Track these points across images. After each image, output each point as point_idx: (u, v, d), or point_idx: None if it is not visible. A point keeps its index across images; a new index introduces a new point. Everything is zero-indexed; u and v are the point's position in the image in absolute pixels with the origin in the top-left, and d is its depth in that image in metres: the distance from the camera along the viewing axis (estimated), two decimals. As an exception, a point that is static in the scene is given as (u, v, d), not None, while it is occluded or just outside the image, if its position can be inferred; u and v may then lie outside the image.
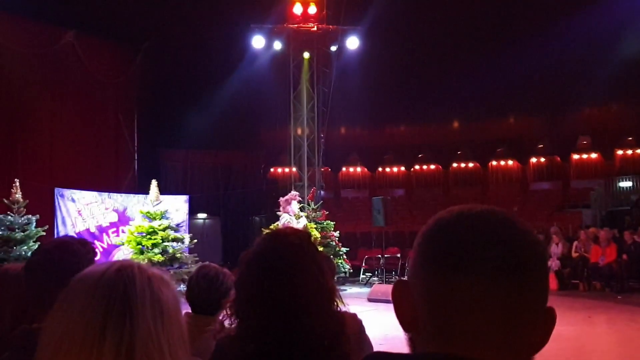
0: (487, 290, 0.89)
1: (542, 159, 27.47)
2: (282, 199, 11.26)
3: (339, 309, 2.00)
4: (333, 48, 18.89)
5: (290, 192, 15.64)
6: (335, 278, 16.20)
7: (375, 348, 2.36)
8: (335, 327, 1.85)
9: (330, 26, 18.34)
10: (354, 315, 2.93)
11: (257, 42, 18.52)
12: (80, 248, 2.08)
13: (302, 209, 16.02)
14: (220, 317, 2.13)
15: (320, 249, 13.08)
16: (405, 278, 1.02)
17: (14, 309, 2.27)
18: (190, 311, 2.96)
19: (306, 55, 18.97)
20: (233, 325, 1.91)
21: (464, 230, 0.93)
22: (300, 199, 11.29)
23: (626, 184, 22.72)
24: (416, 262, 0.97)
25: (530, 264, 0.92)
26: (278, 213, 15.09)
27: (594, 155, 26.52)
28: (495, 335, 0.89)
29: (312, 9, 18.17)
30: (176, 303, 1.13)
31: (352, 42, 18.54)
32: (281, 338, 1.76)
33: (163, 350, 1.04)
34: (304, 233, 2.01)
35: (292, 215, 10.90)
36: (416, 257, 0.97)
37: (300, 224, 10.82)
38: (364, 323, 2.93)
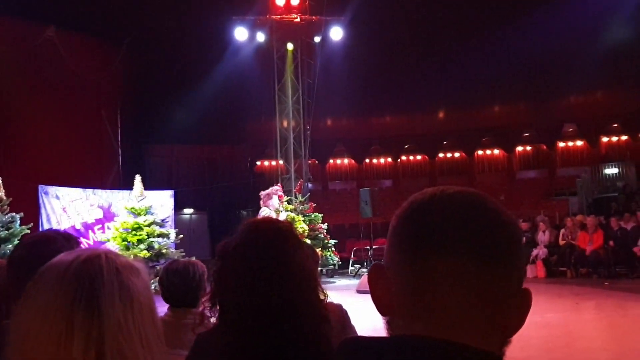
0: (460, 272, 0.88)
1: (528, 148, 27.61)
2: (263, 193, 11.18)
3: (323, 299, 1.97)
4: (317, 39, 18.83)
5: (276, 185, 15.60)
6: (322, 269, 16.21)
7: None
8: (318, 316, 1.81)
9: (314, 17, 18.28)
10: (339, 306, 2.90)
11: (240, 34, 18.42)
12: (63, 242, 2.04)
13: (289, 202, 15.98)
14: (200, 310, 2.09)
15: (308, 241, 13.04)
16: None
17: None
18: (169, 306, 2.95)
19: (290, 46, 18.90)
20: (213, 318, 1.87)
21: (436, 212, 0.92)
22: (281, 193, 11.19)
23: (612, 170, 22.84)
24: (391, 245, 0.97)
25: (503, 244, 0.91)
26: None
27: (579, 143, 26.69)
28: (470, 316, 0.88)
29: (295, 0, 18.07)
30: (147, 292, 1.10)
31: (336, 33, 18.49)
32: (264, 329, 1.72)
33: (134, 341, 1.03)
34: (286, 223, 1.97)
35: (272, 210, 10.82)
36: (390, 239, 0.97)
37: (280, 219, 10.75)
38: (353, 315, 2.89)
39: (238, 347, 1.73)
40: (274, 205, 10.81)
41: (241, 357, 1.72)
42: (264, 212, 10.82)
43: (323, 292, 1.95)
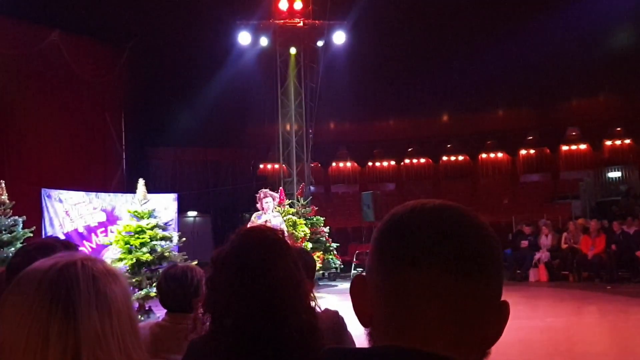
0: (439, 284, 0.89)
1: (532, 151, 27.55)
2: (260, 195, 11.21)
3: (315, 306, 1.99)
4: (320, 43, 18.84)
5: (278, 188, 15.63)
6: (324, 273, 16.20)
7: (361, 345, 2.34)
8: (309, 323, 1.84)
9: (317, 21, 18.28)
10: (335, 313, 2.91)
11: (243, 38, 18.44)
12: (62, 250, 2.04)
13: (291, 205, 15.97)
14: (194, 315, 2.12)
15: (310, 245, 13.01)
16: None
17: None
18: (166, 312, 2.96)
19: (293, 50, 18.91)
20: (206, 324, 1.89)
21: (416, 225, 0.94)
22: (272, 196, 11.17)
23: (615, 174, 22.81)
24: (372, 257, 0.98)
25: (481, 258, 0.92)
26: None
27: (582, 146, 26.60)
28: (448, 328, 0.90)
29: (298, 4, 18.11)
30: (126, 298, 1.10)
31: (339, 37, 18.50)
32: (256, 336, 1.76)
33: (112, 351, 1.02)
34: (277, 231, 2.00)
35: (263, 212, 10.87)
36: (372, 252, 0.99)
37: (276, 219, 10.74)
38: (353, 320, 2.88)
39: (227, 353, 1.76)
40: (267, 208, 10.84)
41: None
42: (258, 216, 10.84)
43: (313, 299, 1.98)
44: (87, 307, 1.01)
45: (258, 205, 11.17)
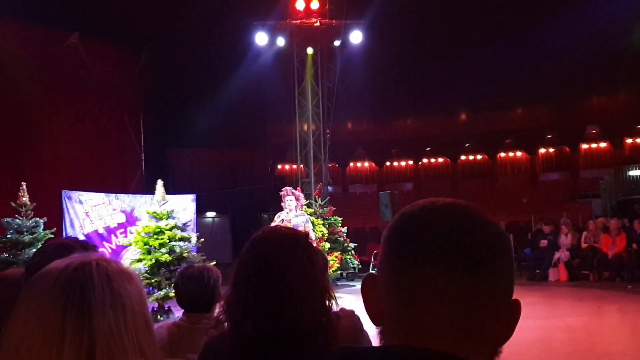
0: (448, 282, 0.89)
1: (551, 150, 27.34)
2: (282, 193, 11.18)
3: (333, 307, 1.98)
4: (336, 43, 18.81)
5: (296, 189, 15.63)
6: (342, 273, 16.18)
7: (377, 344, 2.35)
8: (327, 325, 1.84)
9: (333, 21, 18.27)
10: (352, 313, 2.91)
11: (260, 39, 18.49)
12: (81, 250, 2.05)
13: (309, 205, 15.98)
14: (215, 314, 2.13)
15: (328, 245, 12.97)
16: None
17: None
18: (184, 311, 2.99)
19: (310, 50, 18.91)
20: (226, 324, 1.91)
21: (426, 223, 0.94)
22: (293, 194, 11.13)
23: (636, 172, 22.52)
24: (382, 255, 0.99)
25: (491, 257, 0.92)
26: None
27: (603, 145, 26.35)
28: (458, 326, 0.89)
29: (315, 4, 18.11)
30: (140, 298, 1.11)
31: (356, 37, 18.47)
32: (273, 337, 1.76)
33: (126, 348, 1.03)
34: (299, 232, 1.99)
35: (287, 210, 10.86)
36: (382, 250, 0.99)
37: (298, 219, 10.72)
38: (372, 328, 2.87)
39: (244, 352, 1.78)
40: (290, 206, 10.83)
41: None
42: (282, 216, 10.84)
43: (332, 299, 1.97)
44: (102, 304, 1.03)
45: (282, 204, 11.18)
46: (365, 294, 1.00)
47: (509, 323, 0.93)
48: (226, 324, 1.90)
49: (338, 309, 2.30)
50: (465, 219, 0.94)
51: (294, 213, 10.83)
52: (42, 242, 11.55)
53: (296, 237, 1.91)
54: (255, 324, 1.77)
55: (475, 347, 0.90)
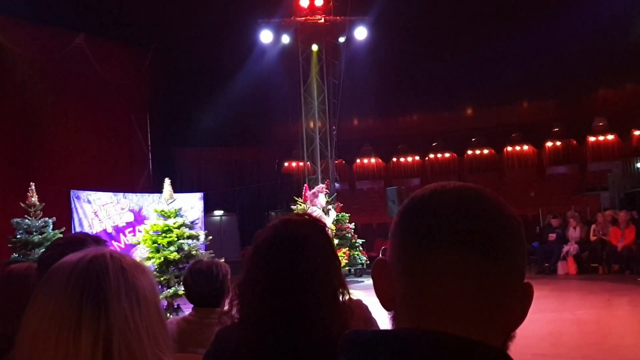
0: (461, 262, 0.89)
1: (558, 143, 27.20)
2: (309, 193, 11.34)
3: (345, 298, 1.95)
4: (341, 39, 18.82)
5: (303, 185, 15.67)
6: (350, 269, 16.20)
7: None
8: (341, 317, 1.81)
9: (338, 17, 18.27)
10: (359, 301, 2.91)
11: (265, 36, 18.50)
12: (92, 244, 2.06)
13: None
14: (225, 308, 2.11)
15: (336, 241, 13.07)
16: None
17: (20, 310, 2.26)
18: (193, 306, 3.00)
19: (314, 47, 18.91)
20: (236, 314, 1.88)
21: (436, 206, 0.93)
22: (327, 191, 11.29)
23: (644, 164, 22.41)
24: (392, 239, 0.98)
25: (502, 238, 0.91)
26: (292, 207, 15.10)
27: (610, 137, 26.20)
28: (471, 308, 0.89)
29: (319, 1, 18.10)
30: (153, 289, 1.13)
31: (360, 33, 18.47)
32: (284, 327, 1.74)
33: (141, 336, 1.05)
34: (317, 220, 1.96)
35: (320, 208, 10.97)
36: (392, 234, 0.98)
37: (330, 217, 10.87)
38: (380, 315, 2.88)
39: (254, 344, 1.77)
40: (321, 204, 10.94)
41: (256, 353, 1.75)
42: (315, 212, 10.92)
43: (349, 291, 1.93)
44: (117, 294, 1.05)
45: (309, 204, 11.32)
46: (376, 278, 0.99)
47: (523, 305, 0.92)
48: (235, 311, 1.87)
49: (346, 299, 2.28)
50: (477, 199, 0.94)
51: (326, 208, 10.98)
52: (51, 241, 11.61)
53: (316, 227, 1.89)
54: (266, 313, 1.75)
55: (489, 330, 0.89)
